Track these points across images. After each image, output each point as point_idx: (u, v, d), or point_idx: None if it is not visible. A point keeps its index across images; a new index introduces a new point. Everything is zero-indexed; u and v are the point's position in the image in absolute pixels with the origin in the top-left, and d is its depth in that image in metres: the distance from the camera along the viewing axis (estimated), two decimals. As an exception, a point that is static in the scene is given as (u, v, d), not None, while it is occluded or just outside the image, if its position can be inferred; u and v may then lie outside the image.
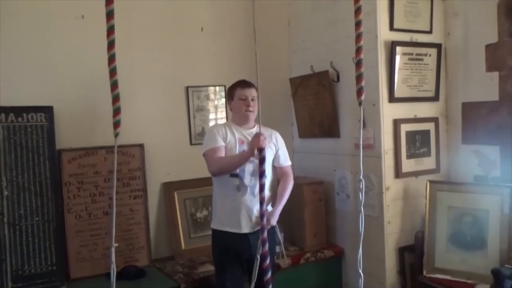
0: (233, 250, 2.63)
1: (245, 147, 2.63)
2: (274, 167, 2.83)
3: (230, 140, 2.67)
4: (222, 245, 2.67)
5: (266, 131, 2.78)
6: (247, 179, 2.61)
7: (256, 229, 2.58)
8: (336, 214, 3.56)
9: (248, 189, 2.60)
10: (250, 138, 2.65)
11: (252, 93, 2.71)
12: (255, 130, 2.74)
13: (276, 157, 2.80)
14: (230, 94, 2.80)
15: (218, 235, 2.69)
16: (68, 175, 3.08)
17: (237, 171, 2.60)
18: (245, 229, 2.61)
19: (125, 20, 3.20)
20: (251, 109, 2.69)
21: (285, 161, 2.85)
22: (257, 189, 2.58)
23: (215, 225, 2.72)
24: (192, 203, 3.51)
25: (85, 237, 3.10)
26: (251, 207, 2.61)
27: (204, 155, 2.69)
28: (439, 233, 3.02)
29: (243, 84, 2.75)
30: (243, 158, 2.53)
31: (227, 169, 2.61)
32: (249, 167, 2.61)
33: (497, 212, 2.85)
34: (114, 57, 1.38)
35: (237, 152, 2.64)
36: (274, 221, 2.64)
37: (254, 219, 2.61)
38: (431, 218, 3.05)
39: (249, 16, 3.76)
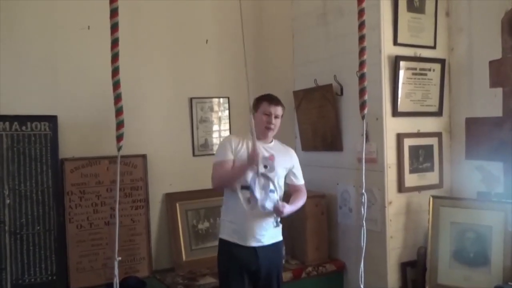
0: (240, 261, 2.61)
1: (260, 169, 2.63)
2: (287, 184, 2.83)
3: (242, 153, 2.65)
4: (229, 256, 2.66)
5: (282, 147, 2.81)
6: (258, 192, 2.61)
7: (264, 243, 2.60)
8: (338, 228, 3.54)
9: (259, 202, 2.60)
10: (265, 153, 2.68)
11: (277, 111, 2.70)
12: (272, 144, 2.76)
13: (289, 175, 2.81)
14: (255, 105, 2.77)
15: (225, 246, 2.67)
16: (70, 185, 3.08)
17: (248, 183, 2.60)
18: (253, 242, 2.60)
19: (131, 31, 3.23)
20: (272, 126, 2.69)
21: (299, 180, 2.86)
22: (268, 203, 2.60)
23: (223, 235, 2.70)
24: (194, 215, 3.50)
25: (86, 247, 3.09)
26: (261, 220, 2.61)
27: (213, 166, 2.70)
28: (442, 249, 3.00)
29: (271, 100, 2.73)
30: (241, 170, 2.55)
31: (227, 180, 2.62)
32: (260, 181, 2.61)
33: (501, 228, 2.82)
34: (118, 70, 1.39)
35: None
36: (285, 211, 2.59)
37: (263, 232, 2.60)
38: (434, 234, 3.03)
39: (254, 29, 3.81)
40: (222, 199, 2.78)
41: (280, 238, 2.75)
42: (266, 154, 2.69)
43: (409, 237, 3.16)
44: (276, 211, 2.56)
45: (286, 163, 2.77)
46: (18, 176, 2.89)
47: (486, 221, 2.88)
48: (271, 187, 2.64)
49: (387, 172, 3.08)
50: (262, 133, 2.70)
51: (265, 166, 2.66)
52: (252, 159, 2.51)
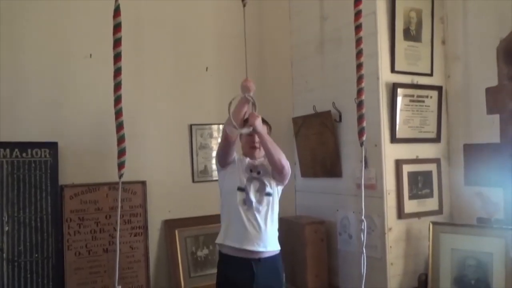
0: (235, 280, 2.58)
1: (254, 174, 2.67)
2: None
3: (242, 161, 2.71)
4: (224, 273, 2.65)
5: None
6: (252, 195, 2.62)
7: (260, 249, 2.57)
8: (338, 254, 3.51)
9: (253, 204, 2.61)
10: (258, 166, 2.71)
11: None
12: (262, 160, 2.78)
13: None
14: None
15: (222, 258, 2.68)
16: (69, 211, 3.07)
17: (244, 185, 2.63)
18: (249, 245, 2.56)
19: (132, 59, 3.26)
20: (256, 145, 2.72)
21: None
22: (262, 207, 2.63)
23: (220, 239, 2.67)
24: (193, 242, 3.48)
25: (84, 274, 3.06)
26: (257, 221, 2.60)
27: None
28: (443, 276, 2.97)
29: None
30: (237, 106, 2.57)
31: (228, 124, 2.56)
32: (255, 184, 2.65)
33: (501, 255, 2.80)
34: (120, 99, 1.41)
35: (243, 173, 2.65)
36: (257, 124, 2.55)
37: (259, 235, 2.58)
38: (435, 261, 3.01)
39: (253, 57, 3.86)
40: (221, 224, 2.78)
41: (277, 247, 2.70)
42: (257, 163, 2.73)
43: (410, 264, 3.14)
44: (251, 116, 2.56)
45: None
46: (18, 203, 2.89)
47: (486, 247, 2.86)
48: (267, 189, 2.66)
49: (386, 198, 3.07)
50: (249, 154, 2.75)
51: (258, 172, 2.69)
52: (246, 86, 2.54)
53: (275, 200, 2.72)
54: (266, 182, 2.68)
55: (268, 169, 2.72)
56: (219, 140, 3.65)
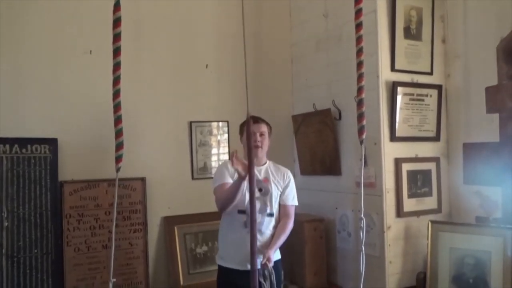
0: (235, 280, 2.60)
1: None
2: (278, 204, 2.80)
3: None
4: (227, 283, 2.66)
5: (276, 168, 2.80)
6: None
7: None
8: (337, 252, 3.52)
9: (256, 226, 2.59)
10: (259, 176, 2.67)
11: (260, 128, 2.73)
12: (266, 166, 2.77)
13: (281, 194, 2.78)
14: (240, 130, 2.84)
15: (223, 271, 2.68)
16: (69, 207, 3.08)
17: (245, 207, 2.59)
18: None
19: (132, 56, 3.27)
20: (258, 144, 2.69)
21: (290, 200, 2.79)
22: (264, 227, 2.62)
23: (221, 261, 2.70)
24: (192, 238, 3.48)
25: (83, 270, 3.07)
26: (259, 242, 2.59)
27: (214, 192, 2.70)
28: (441, 275, 2.98)
29: (252, 119, 2.76)
30: (237, 184, 2.48)
31: (229, 199, 2.56)
32: (256, 204, 2.61)
33: (500, 254, 2.81)
34: (119, 93, 1.41)
35: (244, 189, 2.59)
36: (271, 255, 2.56)
37: (260, 255, 2.56)
38: (433, 259, 3.02)
39: (253, 54, 3.87)
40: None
41: (278, 256, 2.73)
42: (260, 177, 2.70)
43: (408, 262, 3.14)
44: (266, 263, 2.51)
45: (280, 183, 2.77)
46: (17, 199, 2.89)
47: (485, 246, 2.86)
48: (269, 210, 2.65)
49: (385, 197, 3.08)
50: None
51: (260, 189, 2.66)
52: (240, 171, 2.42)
53: (277, 217, 2.72)
54: (268, 202, 2.67)
55: (270, 185, 2.71)
56: (219, 138, 3.68)
